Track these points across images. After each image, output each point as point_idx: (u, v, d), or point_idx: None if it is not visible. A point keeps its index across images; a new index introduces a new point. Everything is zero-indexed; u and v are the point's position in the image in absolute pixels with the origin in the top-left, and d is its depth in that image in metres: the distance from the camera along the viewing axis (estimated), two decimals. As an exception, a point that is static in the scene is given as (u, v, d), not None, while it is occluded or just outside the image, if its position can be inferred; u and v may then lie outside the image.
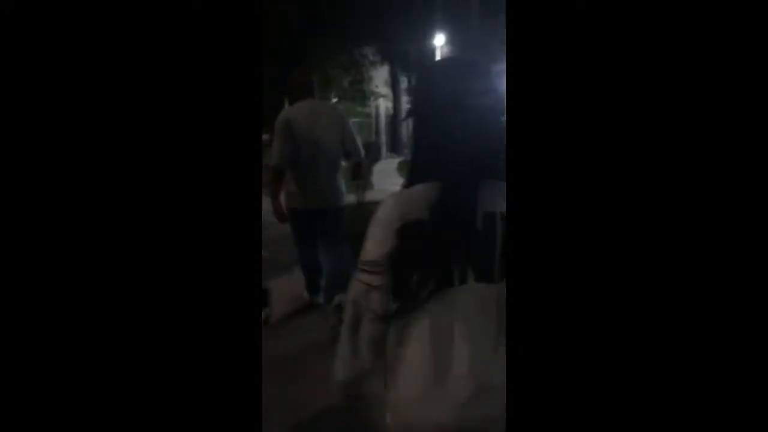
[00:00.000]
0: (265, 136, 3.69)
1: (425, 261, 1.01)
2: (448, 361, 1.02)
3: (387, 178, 6.60)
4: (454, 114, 1.02)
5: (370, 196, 5.79)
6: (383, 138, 14.94)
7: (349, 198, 3.63)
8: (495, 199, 1.01)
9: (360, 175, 3.56)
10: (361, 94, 19.68)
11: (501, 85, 0.98)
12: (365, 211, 2.65)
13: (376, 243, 1.03)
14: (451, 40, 14.90)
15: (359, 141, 3.34)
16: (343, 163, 3.35)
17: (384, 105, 15.91)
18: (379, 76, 19.21)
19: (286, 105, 3.37)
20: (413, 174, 1.06)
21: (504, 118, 0.97)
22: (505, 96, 0.91)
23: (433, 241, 1.00)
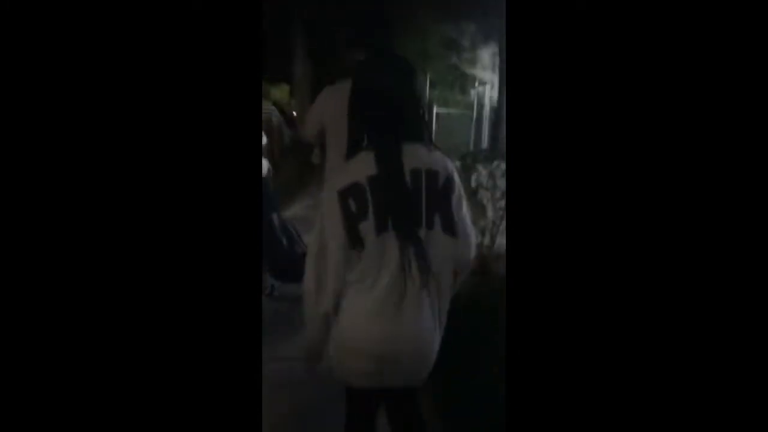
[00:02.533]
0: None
1: (366, 214, 1.26)
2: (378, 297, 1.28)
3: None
4: (381, 98, 1.32)
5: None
6: (485, 136, 11.98)
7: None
8: (419, 158, 1.28)
9: None
10: (461, 79, 16.55)
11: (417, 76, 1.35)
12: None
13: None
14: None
15: None
16: None
17: (488, 94, 12.90)
18: (481, 59, 15.97)
19: None
20: (353, 145, 1.35)
21: (422, 110, 1.38)
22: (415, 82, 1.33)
23: (368, 198, 1.26)
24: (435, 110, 11.46)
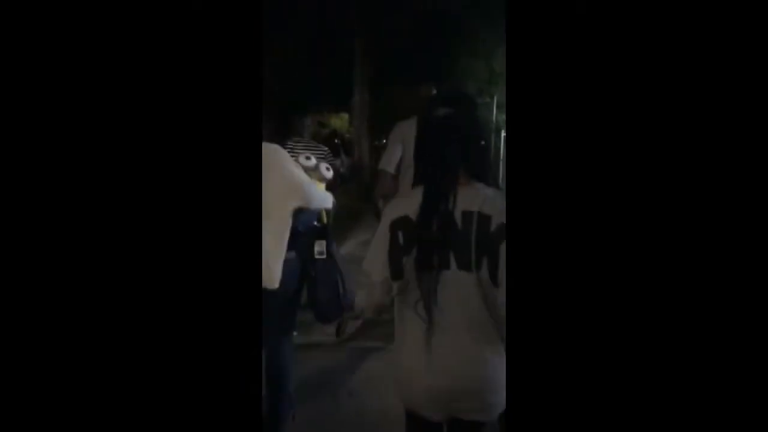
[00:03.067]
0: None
1: (410, 248, 1.28)
2: (436, 334, 1.28)
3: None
4: (440, 136, 1.33)
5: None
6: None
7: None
8: (472, 200, 1.27)
9: None
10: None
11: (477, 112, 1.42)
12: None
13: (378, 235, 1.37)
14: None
15: None
16: None
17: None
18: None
19: None
20: (417, 179, 1.37)
21: (483, 142, 1.37)
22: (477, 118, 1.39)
23: (415, 233, 1.28)
24: (503, 134, 11.21)
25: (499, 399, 1.30)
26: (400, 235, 1.29)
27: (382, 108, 9.74)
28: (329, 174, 2.45)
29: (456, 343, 1.28)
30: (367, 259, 1.38)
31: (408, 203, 1.31)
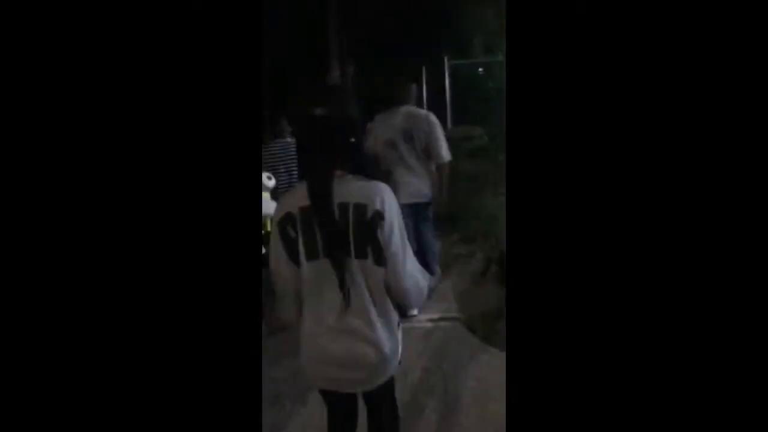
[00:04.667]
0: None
1: (296, 241, 1.41)
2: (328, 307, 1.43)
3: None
4: (313, 135, 1.44)
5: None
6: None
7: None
8: (348, 192, 1.39)
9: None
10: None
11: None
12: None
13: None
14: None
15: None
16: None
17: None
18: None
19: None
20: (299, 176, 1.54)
21: (353, 140, 1.45)
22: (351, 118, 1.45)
23: (298, 227, 1.41)
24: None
25: (390, 368, 1.50)
26: (290, 229, 1.41)
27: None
28: (270, 183, 2.64)
29: (352, 321, 1.42)
30: (270, 270, 1.48)
31: (292, 200, 1.44)
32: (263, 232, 2.44)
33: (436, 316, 3.42)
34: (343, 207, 1.38)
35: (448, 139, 3.57)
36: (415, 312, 3.27)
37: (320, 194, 1.38)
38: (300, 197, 1.41)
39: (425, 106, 7.48)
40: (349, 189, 1.40)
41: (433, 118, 3.54)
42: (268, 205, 2.30)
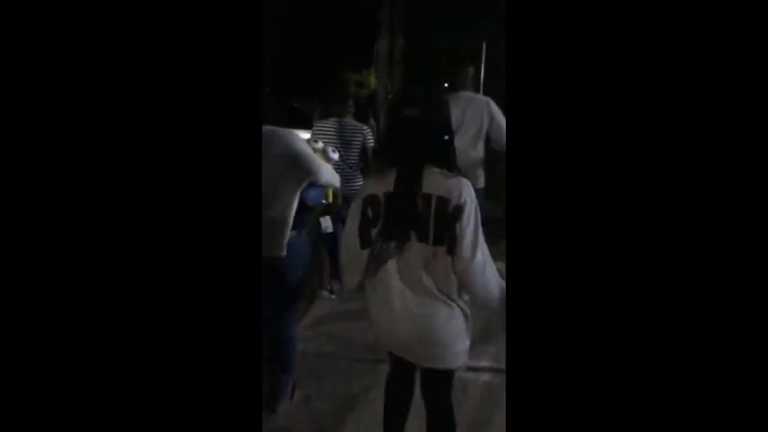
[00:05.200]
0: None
1: (376, 222, 1.54)
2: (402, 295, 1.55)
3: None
4: (408, 134, 1.55)
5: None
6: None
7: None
8: (433, 184, 1.50)
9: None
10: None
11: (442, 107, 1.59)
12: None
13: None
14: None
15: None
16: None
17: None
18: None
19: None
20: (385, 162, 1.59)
21: (447, 137, 1.58)
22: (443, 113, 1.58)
23: (381, 210, 1.54)
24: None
25: (459, 350, 1.61)
26: (370, 210, 1.55)
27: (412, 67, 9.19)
28: (335, 156, 2.54)
29: (417, 300, 1.54)
30: (344, 231, 1.65)
31: (378, 184, 1.55)
32: (324, 201, 2.47)
33: (480, 363, 2.63)
34: (426, 198, 1.49)
35: None
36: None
37: (407, 184, 1.50)
38: (387, 183, 1.53)
39: (482, 91, 6.94)
40: (434, 182, 1.50)
41: (493, 105, 3.31)
42: (333, 176, 2.30)
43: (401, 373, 1.79)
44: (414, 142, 1.53)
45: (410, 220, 1.50)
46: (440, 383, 1.71)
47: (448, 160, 1.56)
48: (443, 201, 1.48)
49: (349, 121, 3.46)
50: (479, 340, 2.66)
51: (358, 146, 3.42)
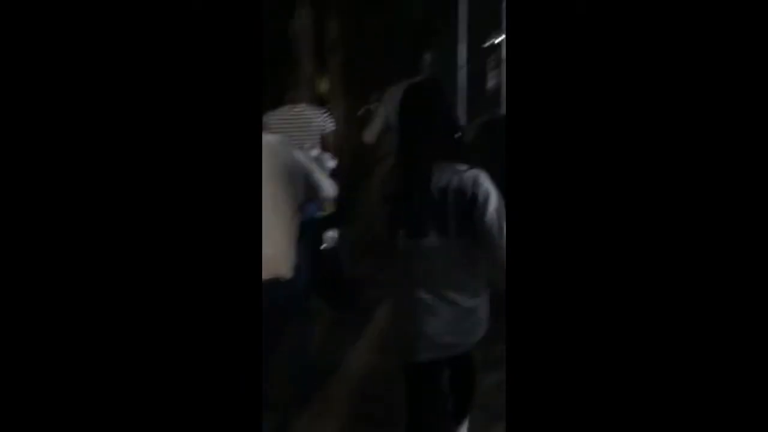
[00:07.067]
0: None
1: (396, 221, 1.55)
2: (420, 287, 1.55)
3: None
4: (420, 130, 1.55)
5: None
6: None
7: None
8: (447, 178, 1.50)
9: None
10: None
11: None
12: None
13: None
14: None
15: None
16: None
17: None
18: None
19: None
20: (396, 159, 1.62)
21: (459, 134, 1.61)
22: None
23: (399, 207, 1.55)
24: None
25: (479, 331, 1.64)
26: (387, 208, 1.56)
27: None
28: (332, 164, 2.45)
29: (440, 293, 1.54)
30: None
31: (392, 182, 1.57)
32: (320, 213, 2.43)
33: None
34: (443, 191, 1.50)
35: None
36: None
37: (422, 180, 1.50)
38: (403, 179, 1.55)
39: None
40: (449, 176, 1.51)
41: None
42: (333, 188, 2.17)
43: (420, 369, 1.75)
44: (429, 137, 1.53)
45: (430, 216, 1.49)
46: (465, 369, 1.79)
47: (462, 154, 1.57)
48: (460, 194, 1.49)
49: (304, 107, 3.22)
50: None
51: (317, 133, 3.15)
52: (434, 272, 1.53)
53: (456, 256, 1.52)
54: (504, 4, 4.93)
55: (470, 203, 1.48)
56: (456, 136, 1.58)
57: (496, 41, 5.87)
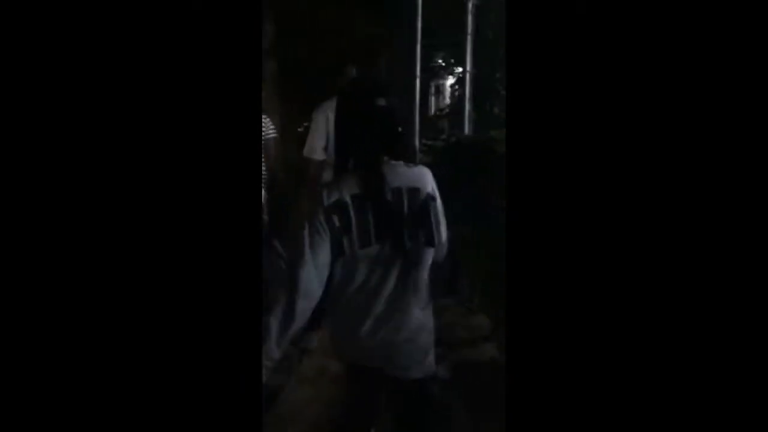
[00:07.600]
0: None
1: (348, 229, 1.38)
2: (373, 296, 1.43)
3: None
4: (362, 127, 1.45)
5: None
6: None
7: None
8: (399, 177, 1.42)
9: None
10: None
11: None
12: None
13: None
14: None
15: None
16: None
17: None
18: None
19: None
20: (339, 163, 1.49)
21: (401, 129, 1.52)
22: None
23: (351, 214, 1.38)
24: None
25: (428, 358, 1.51)
26: (336, 218, 1.37)
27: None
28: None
29: (394, 304, 1.43)
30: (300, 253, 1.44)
31: (339, 188, 1.40)
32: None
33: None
34: (397, 191, 1.42)
35: None
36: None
37: (374, 180, 1.40)
38: (350, 185, 1.40)
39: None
40: (399, 174, 1.44)
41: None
42: None
43: (369, 383, 1.63)
44: (372, 134, 1.44)
45: (385, 219, 1.40)
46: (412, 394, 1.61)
47: (407, 151, 1.54)
48: (414, 192, 1.44)
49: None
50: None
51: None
52: (384, 283, 1.43)
53: (413, 262, 1.44)
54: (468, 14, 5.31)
55: (425, 205, 1.44)
56: (399, 130, 1.52)
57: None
